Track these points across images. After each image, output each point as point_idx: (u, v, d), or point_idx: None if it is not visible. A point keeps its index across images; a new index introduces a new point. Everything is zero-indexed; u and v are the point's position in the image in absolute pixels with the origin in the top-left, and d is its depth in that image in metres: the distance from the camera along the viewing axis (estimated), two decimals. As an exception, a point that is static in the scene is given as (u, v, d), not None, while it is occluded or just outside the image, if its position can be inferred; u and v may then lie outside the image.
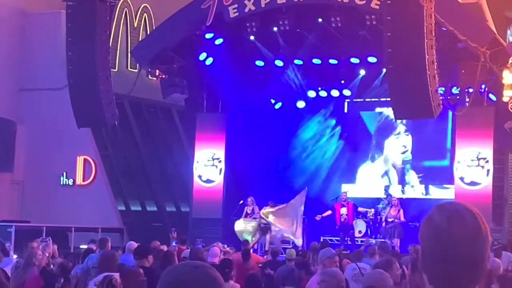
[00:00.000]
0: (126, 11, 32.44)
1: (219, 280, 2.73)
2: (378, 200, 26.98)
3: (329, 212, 25.96)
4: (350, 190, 27.78)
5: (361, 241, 23.99)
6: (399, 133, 28.71)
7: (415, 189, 28.26)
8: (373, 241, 23.19)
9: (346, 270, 12.50)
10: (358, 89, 28.36)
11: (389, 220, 24.92)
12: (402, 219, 24.64)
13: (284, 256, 16.22)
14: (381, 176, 28.92)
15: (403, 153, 28.70)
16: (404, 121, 27.31)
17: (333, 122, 29.46)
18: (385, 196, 26.88)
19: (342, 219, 25.54)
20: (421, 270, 2.68)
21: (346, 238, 25.51)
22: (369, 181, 28.92)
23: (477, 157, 24.50)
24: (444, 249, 2.57)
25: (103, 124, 23.86)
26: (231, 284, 11.46)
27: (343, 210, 25.64)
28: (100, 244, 15.52)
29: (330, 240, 24.92)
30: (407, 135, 28.61)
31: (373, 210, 26.42)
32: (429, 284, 2.63)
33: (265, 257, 19.28)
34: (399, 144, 28.78)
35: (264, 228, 24.04)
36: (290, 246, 21.89)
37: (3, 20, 30.20)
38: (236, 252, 17.79)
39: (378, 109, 29.04)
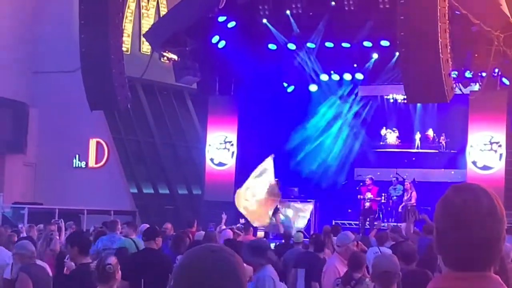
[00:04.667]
0: (138, -7, 32.47)
1: (238, 265, 2.56)
2: (389, 184, 26.88)
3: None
4: (363, 174, 27.71)
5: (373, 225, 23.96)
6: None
7: (427, 172, 28.14)
8: (385, 224, 23.13)
9: (367, 253, 12.45)
10: (370, 73, 28.23)
11: (402, 204, 24.90)
12: (414, 202, 24.56)
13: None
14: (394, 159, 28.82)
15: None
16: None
17: (346, 106, 29.36)
18: (395, 179, 26.71)
19: (366, 205, 25.46)
20: (436, 251, 2.67)
21: (366, 223, 25.31)
22: (381, 164, 28.82)
23: (490, 141, 24.35)
24: (459, 229, 2.55)
25: (116, 107, 23.86)
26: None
27: (368, 195, 25.55)
28: (110, 226, 15.55)
29: (342, 223, 24.87)
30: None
31: (385, 194, 26.41)
32: (444, 265, 2.62)
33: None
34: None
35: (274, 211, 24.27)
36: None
37: (16, 3, 30.25)
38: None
39: (391, 94, 28.92)
